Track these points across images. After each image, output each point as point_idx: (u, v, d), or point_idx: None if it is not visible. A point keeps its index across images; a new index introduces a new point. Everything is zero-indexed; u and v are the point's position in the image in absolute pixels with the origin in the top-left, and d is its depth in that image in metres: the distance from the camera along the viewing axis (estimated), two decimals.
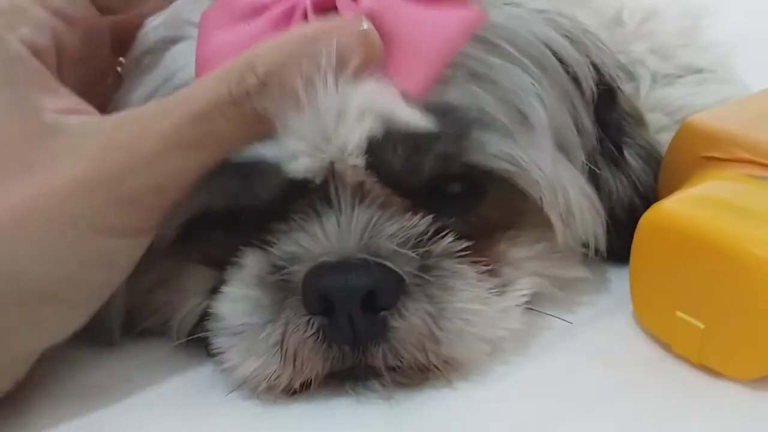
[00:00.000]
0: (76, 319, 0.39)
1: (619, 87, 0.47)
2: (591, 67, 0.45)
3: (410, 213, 0.40)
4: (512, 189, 0.42)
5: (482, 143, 0.40)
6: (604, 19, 0.63)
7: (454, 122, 0.39)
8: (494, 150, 0.40)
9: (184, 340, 0.44)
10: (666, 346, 0.41)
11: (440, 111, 0.39)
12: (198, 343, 0.43)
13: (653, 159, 0.49)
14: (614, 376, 0.40)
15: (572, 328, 0.44)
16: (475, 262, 0.41)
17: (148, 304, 0.45)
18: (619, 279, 0.47)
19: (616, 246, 0.46)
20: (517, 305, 0.42)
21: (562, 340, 0.43)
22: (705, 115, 0.47)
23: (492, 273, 0.42)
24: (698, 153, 0.45)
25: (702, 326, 0.39)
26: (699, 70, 0.60)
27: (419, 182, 0.41)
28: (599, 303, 0.46)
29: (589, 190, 0.45)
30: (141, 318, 0.45)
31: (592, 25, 0.59)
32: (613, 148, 0.47)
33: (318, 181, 0.39)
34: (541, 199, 0.42)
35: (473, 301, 0.40)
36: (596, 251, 0.45)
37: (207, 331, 0.42)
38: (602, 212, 0.45)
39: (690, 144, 0.46)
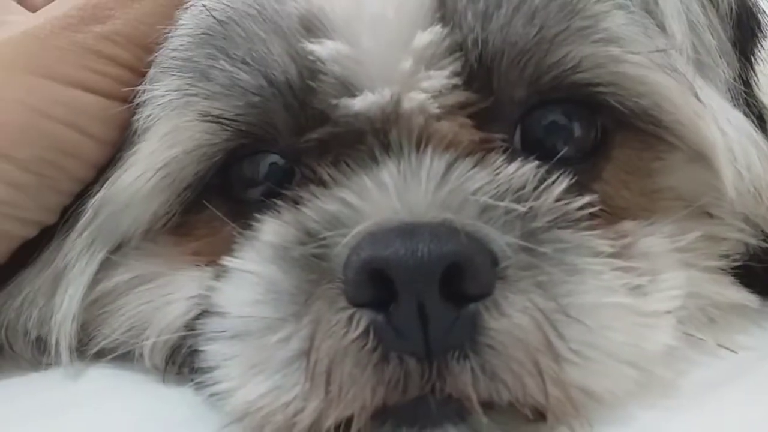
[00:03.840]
0: None
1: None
2: None
3: (505, 159, 0.27)
4: (642, 149, 0.30)
5: (596, 27, 0.28)
6: None
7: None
8: (610, 32, 0.28)
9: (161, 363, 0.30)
10: None
11: None
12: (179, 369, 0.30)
13: None
14: None
15: (737, 365, 0.29)
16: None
17: (113, 314, 0.31)
18: None
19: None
20: (669, 310, 0.27)
21: (729, 380, 0.28)
22: None
23: (628, 263, 0.27)
24: None
25: None
26: None
27: (514, 101, 0.29)
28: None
29: (752, 127, 0.31)
30: (100, 333, 0.31)
31: None
32: (749, 110, 0.33)
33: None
34: (690, 131, 0.29)
35: (612, 294, 0.25)
36: None
37: (191, 348, 0.28)
38: None
39: None
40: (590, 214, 0.27)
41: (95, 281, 0.32)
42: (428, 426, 0.25)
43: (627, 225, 0.29)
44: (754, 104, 0.34)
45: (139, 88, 0.31)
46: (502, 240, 0.25)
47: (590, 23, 0.28)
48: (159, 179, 0.31)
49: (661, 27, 0.30)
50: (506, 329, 0.24)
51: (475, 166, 0.27)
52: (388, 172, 0.27)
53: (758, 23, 0.35)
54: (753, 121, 0.33)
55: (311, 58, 0.28)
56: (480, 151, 0.27)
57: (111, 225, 0.32)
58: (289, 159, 0.30)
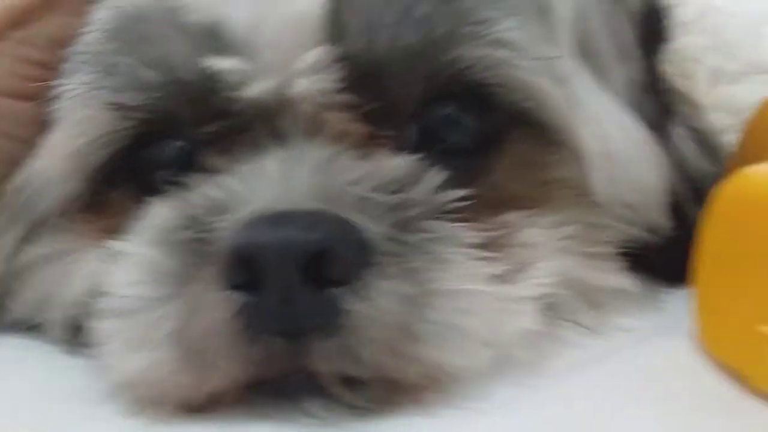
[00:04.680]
0: None
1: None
2: None
3: (390, 153, 0.28)
4: (535, 144, 0.31)
5: (487, 31, 0.29)
6: None
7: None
8: (500, 36, 0.29)
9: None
10: (742, 380, 0.28)
11: None
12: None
13: (709, 147, 0.37)
14: (669, 419, 0.27)
15: (608, 348, 0.30)
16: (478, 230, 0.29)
17: (25, 287, 0.33)
18: (673, 299, 0.34)
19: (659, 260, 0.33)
20: (532, 296, 0.29)
21: (595, 361, 0.30)
22: None
23: (498, 251, 0.29)
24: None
25: None
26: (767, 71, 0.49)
27: (408, 100, 0.30)
28: (646, 324, 0.32)
29: (640, 129, 0.33)
30: (13, 305, 0.33)
31: None
32: (655, 108, 0.35)
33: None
34: (563, 126, 0.30)
35: (472, 281, 0.27)
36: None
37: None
38: (664, 164, 0.33)
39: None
40: (473, 204, 0.29)
41: (13, 256, 0.34)
42: (290, 399, 0.26)
43: (511, 216, 0.31)
44: (663, 100, 0.36)
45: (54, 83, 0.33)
46: (373, 229, 0.26)
47: (481, 28, 0.29)
48: (68, 164, 0.32)
49: (552, 33, 0.31)
50: (367, 312, 0.25)
51: (359, 158, 0.28)
52: (273, 160, 0.28)
53: (664, 22, 0.36)
54: (658, 120, 0.35)
55: (211, 66, 0.29)
56: (367, 146, 0.29)
57: (27, 207, 0.33)
58: (191, 146, 0.31)
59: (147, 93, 0.30)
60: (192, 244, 0.27)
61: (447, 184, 0.29)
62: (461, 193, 0.28)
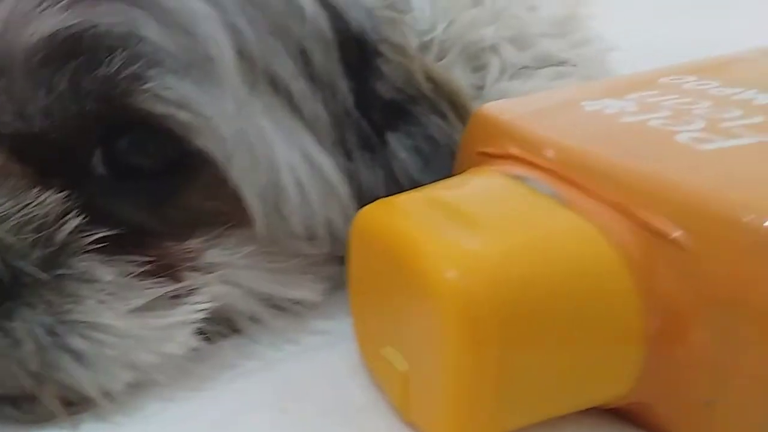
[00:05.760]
0: None
1: (380, 52, 0.38)
2: (325, 7, 0.35)
3: (37, 188, 0.31)
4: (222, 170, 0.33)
5: (135, 77, 0.30)
6: None
7: (94, 47, 0.30)
8: (154, 87, 0.30)
9: None
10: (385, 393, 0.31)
11: (73, 32, 0.30)
12: None
13: (442, 155, 0.39)
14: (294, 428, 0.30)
15: (277, 362, 0.34)
16: (142, 262, 0.32)
17: None
18: None
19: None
20: (186, 322, 0.32)
21: (252, 376, 0.33)
22: (497, 104, 0.37)
23: (173, 277, 0.32)
24: (476, 148, 0.36)
25: (402, 368, 0.29)
26: (560, 63, 0.51)
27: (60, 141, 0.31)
28: (327, 333, 0.36)
29: (328, 162, 0.35)
30: None
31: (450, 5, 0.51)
32: (368, 127, 0.37)
33: None
34: (226, 163, 0.32)
35: (104, 314, 0.30)
36: (339, 258, 0.35)
37: None
38: (346, 198, 0.36)
39: (470, 137, 0.37)
40: (138, 234, 0.32)
41: None
42: None
43: (198, 239, 0.33)
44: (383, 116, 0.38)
45: None
46: (19, 263, 0.29)
47: (137, 84, 0.30)
48: None
49: (216, 80, 0.32)
50: (4, 339, 0.29)
51: (7, 194, 0.30)
52: None
53: (372, 42, 0.37)
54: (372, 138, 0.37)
55: None
56: (17, 180, 0.31)
57: None
58: None
59: None
60: None
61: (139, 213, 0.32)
62: (103, 232, 0.31)
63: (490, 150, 0.34)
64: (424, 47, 0.51)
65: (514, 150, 0.33)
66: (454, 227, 0.28)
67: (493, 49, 0.51)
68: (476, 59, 0.51)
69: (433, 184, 0.32)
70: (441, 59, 0.51)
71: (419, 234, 0.28)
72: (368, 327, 0.32)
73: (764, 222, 0.25)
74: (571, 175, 0.30)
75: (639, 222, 0.27)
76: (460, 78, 0.50)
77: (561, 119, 0.34)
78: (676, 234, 0.26)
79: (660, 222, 0.27)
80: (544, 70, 0.50)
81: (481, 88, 0.50)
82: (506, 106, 0.36)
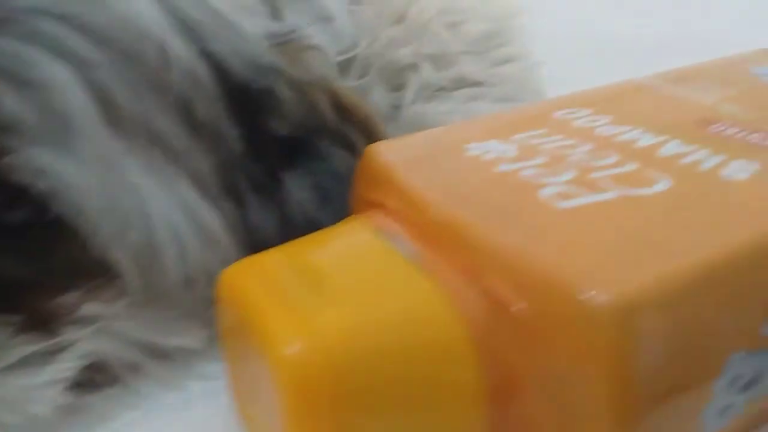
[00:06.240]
0: None
1: (273, 92, 0.37)
2: (204, 57, 0.35)
3: None
4: None
5: None
6: (385, 15, 0.53)
7: None
8: (11, 158, 0.30)
9: None
10: None
11: None
12: None
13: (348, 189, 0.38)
14: None
15: (162, 410, 0.34)
16: (14, 320, 0.31)
17: None
18: None
19: None
20: (56, 380, 0.32)
21: (134, 428, 0.33)
22: (383, 145, 0.36)
23: (47, 332, 0.32)
24: (360, 192, 0.35)
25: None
26: (476, 84, 0.50)
27: None
28: (214, 378, 0.35)
29: (209, 213, 0.35)
30: None
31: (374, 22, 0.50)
32: (260, 170, 0.37)
33: None
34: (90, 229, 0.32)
35: None
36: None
37: None
38: (228, 247, 0.35)
39: (358, 179, 0.36)
40: (11, 289, 0.32)
41: None
42: None
43: (75, 294, 0.33)
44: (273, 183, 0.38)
45: None
46: None
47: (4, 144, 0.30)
48: None
49: (71, 140, 0.31)
50: None
51: None
52: None
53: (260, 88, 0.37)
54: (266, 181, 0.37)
55: None
56: None
57: None
58: None
59: None
60: None
61: None
62: None
63: (371, 196, 0.34)
64: (345, 66, 0.50)
65: (389, 201, 0.32)
66: (304, 293, 0.27)
67: (413, 68, 0.50)
68: (396, 78, 0.50)
69: (302, 238, 0.32)
70: (362, 77, 0.51)
71: (267, 300, 0.27)
72: (237, 384, 0.32)
73: (601, 299, 0.25)
74: (432, 235, 0.29)
75: (484, 290, 0.27)
76: (379, 98, 0.49)
77: (438, 167, 0.33)
78: (516, 306, 0.26)
79: (503, 291, 0.26)
80: (460, 91, 0.49)
81: (399, 108, 0.49)
82: (391, 148, 0.35)
